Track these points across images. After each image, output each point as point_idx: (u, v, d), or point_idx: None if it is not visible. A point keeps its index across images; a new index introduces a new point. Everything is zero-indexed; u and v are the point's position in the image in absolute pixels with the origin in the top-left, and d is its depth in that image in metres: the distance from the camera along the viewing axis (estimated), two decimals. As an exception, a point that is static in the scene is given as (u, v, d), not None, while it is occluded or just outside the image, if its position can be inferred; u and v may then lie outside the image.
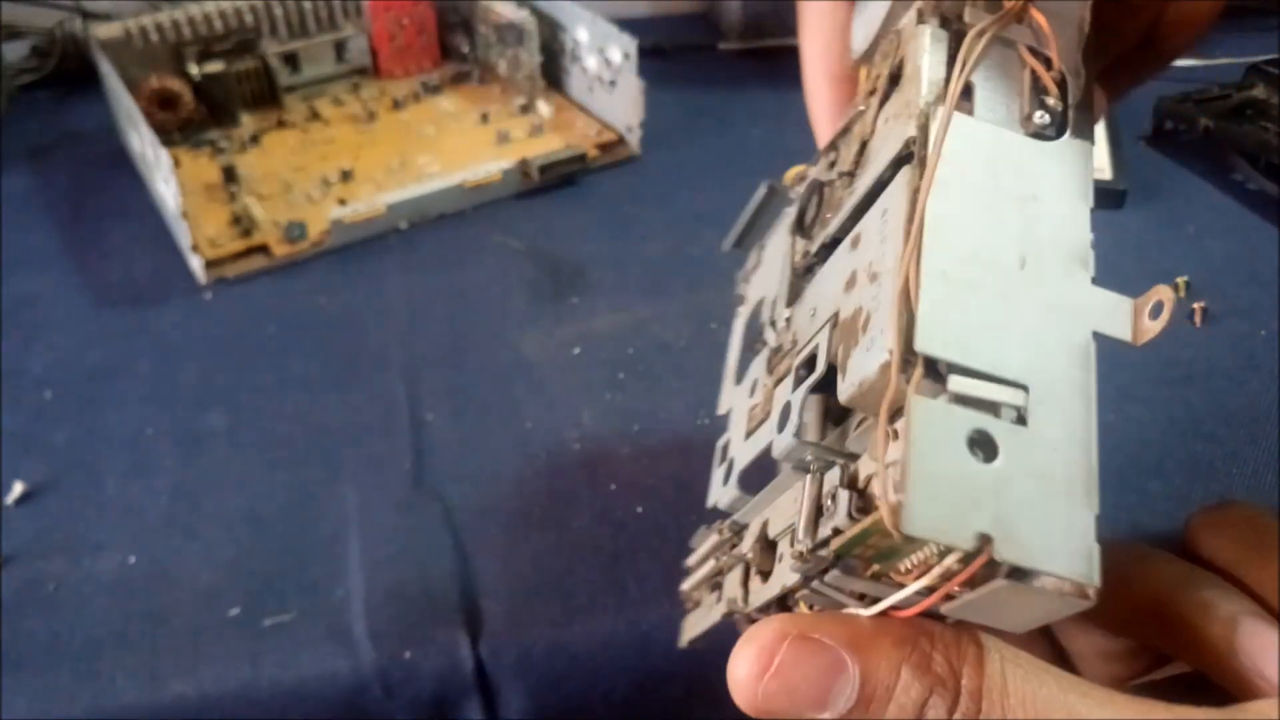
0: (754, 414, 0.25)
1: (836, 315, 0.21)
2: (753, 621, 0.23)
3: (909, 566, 0.18)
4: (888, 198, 0.21)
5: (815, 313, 0.23)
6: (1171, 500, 0.41)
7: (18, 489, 0.43)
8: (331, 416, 0.47)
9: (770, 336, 0.26)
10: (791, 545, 0.21)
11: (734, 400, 0.29)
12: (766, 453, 0.23)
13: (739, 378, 0.30)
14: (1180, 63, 0.74)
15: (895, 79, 0.23)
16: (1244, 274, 0.53)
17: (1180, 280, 0.52)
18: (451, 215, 0.60)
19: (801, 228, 0.26)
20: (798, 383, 0.22)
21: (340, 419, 0.46)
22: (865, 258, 0.21)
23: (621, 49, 0.62)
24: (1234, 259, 0.55)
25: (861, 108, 0.24)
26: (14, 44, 0.73)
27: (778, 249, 0.29)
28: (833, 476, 0.20)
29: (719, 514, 0.28)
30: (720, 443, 0.29)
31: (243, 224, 0.58)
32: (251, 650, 0.37)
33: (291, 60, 0.69)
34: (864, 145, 0.23)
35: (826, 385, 0.21)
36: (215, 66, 0.65)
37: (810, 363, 0.22)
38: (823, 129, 0.29)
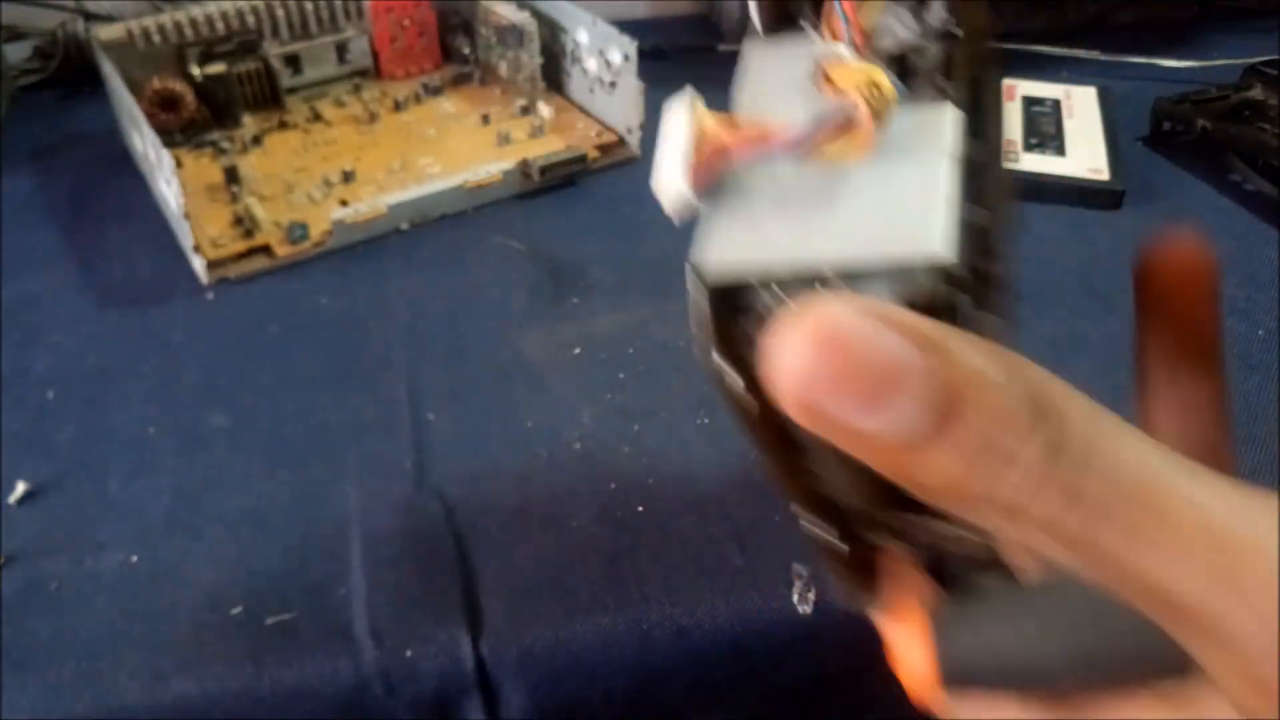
0: None
1: None
2: None
3: None
4: None
5: None
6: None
7: (20, 488, 0.43)
8: (333, 416, 0.47)
9: None
10: None
11: None
12: None
13: None
14: (1178, 64, 0.75)
15: None
16: (1241, 274, 0.53)
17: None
18: (452, 216, 0.60)
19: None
20: None
21: (342, 419, 0.47)
22: None
23: (621, 50, 0.62)
24: (1231, 259, 0.55)
25: None
26: (16, 45, 0.74)
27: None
28: None
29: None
30: None
31: (245, 225, 0.58)
32: (253, 649, 0.37)
33: (293, 61, 0.70)
34: None
35: None
36: (217, 68, 0.66)
37: None
38: None
